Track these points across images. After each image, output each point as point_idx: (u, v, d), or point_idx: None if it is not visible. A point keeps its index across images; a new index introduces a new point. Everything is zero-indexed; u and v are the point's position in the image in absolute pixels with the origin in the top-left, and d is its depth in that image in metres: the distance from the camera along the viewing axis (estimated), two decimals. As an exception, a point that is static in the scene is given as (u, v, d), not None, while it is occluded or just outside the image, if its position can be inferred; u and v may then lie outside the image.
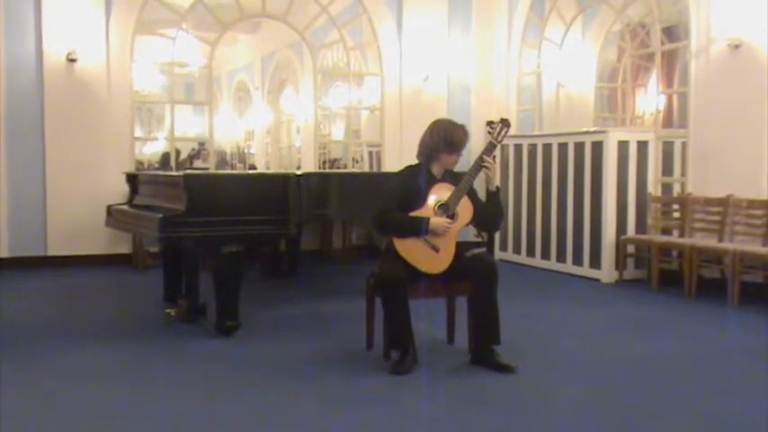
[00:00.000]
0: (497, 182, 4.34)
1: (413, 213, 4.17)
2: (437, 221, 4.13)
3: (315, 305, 6.09)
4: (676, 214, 7.03)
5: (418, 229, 4.13)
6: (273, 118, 15.34)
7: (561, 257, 7.79)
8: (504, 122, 4.32)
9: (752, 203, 6.25)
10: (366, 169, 10.51)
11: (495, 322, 4.17)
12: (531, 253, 8.29)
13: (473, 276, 4.19)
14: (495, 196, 4.34)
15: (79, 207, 7.82)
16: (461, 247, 4.25)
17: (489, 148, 4.20)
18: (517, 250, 8.51)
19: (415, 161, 4.40)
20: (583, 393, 3.84)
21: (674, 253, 6.86)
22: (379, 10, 9.08)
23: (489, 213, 4.38)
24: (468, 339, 4.38)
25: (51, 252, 7.90)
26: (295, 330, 5.19)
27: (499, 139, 4.25)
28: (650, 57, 8.52)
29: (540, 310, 6.05)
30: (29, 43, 7.80)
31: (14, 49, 7.76)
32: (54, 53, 7.82)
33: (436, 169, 4.31)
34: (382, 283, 4.16)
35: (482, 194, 4.44)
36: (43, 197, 7.89)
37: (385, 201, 4.31)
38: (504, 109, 9.12)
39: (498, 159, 8.37)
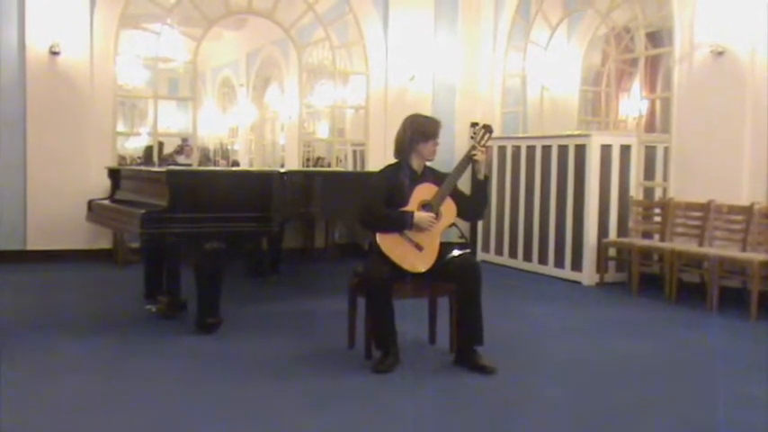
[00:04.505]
0: (486, 171, 4.38)
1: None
2: (422, 216, 4.15)
3: (297, 303, 6.08)
4: (658, 218, 7.08)
5: (403, 223, 4.14)
6: (258, 115, 15.28)
7: (543, 259, 7.82)
8: (487, 128, 4.37)
9: (732, 209, 6.31)
10: (350, 168, 10.49)
11: (479, 323, 4.18)
12: (513, 254, 8.31)
13: (457, 277, 4.21)
14: (483, 185, 4.37)
15: (60, 201, 7.74)
16: (445, 247, 4.26)
17: (472, 153, 4.26)
18: (499, 252, 8.53)
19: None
20: (562, 395, 3.86)
21: (655, 257, 6.91)
22: (365, 9, 9.07)
23: (475, 202, 4.41)
24: (450, 339, 4.40)
25: (31, 246, 7.81)
26: (277, 328, 5.18)
27: (481, 143, 4.29)
28: (634, 61, 8.58)
29: (521, 311, 6.07)
30: (11, 35, 7.70)
31: (-4, 41, 7.68)
32: (37, 45, 7.73)
33: (416, 163, 4.34)
34: (366, 283, 4.17)
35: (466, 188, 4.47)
36: (24, 191, 7.79)
37: (369, 196, 4.33)
38: (489, 110, 9.15)
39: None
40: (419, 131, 4.29)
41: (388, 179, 4.33)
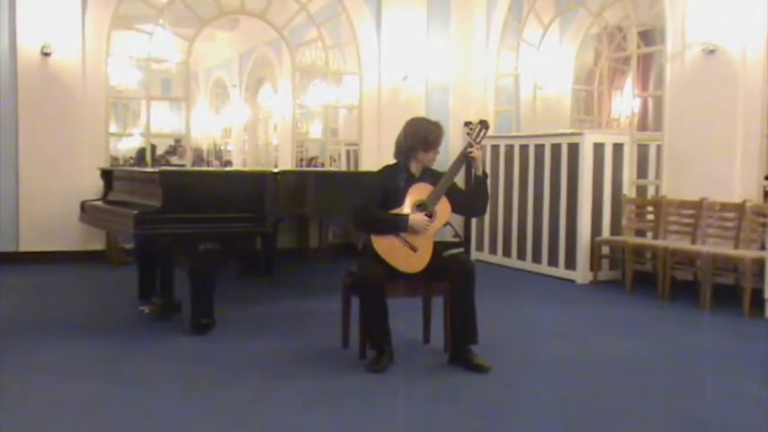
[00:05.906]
0: (484, 168, 4.39)
1: (392, 211, 4.18)
2: (416, 218, 4.14)
3: (291, 304, 6.07)
4: (650, 216, 7.10)
5: (397, 225, 4.14)
6: (251, 115, 15.27)
7: (537, 258, 7.84)
8: (483, 123, 4.36)
9: (724, 206, 6.33)
10: (343, 168, 10.49)
11: (473, 322, 4.19)
12: (507, 253, 8.32)
13: (451, 276, 4.20)
14: (482, 181, 4.36)
15: (53, 202, 7.72)
16: (439, 246, 4.26)
17: (468, 150, 4.24)
18: (493, 251, 8.54)
19: (392, 161, 4.41)
20: (556, 393, 3.86)
21: (648, 254, 6.93)
22: (358, 9, 9.07)
23: (476, 199, 4.41)
24: (444, 339, 4.40)
25: (23, 248, 7.79)
26: (271, 329, 5.18)
27: (478, 140, 4.28)
28: (626, 60, 8.60)
29: (515, 310, 6.08)
30: (2, 36, 7.67)
31: (-13, 42, 7.65)
32: (28, 46, 7.70)
33: (414, 167, 4.33)
34: (360, 283, 4.17)
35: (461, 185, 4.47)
36: (16, 192, 7.77)
37: (364, 198, 4.32)
38: (482, 110, 9.15)
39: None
40: (421, 140, 4.24)
41: (384, 180, 4.32)
